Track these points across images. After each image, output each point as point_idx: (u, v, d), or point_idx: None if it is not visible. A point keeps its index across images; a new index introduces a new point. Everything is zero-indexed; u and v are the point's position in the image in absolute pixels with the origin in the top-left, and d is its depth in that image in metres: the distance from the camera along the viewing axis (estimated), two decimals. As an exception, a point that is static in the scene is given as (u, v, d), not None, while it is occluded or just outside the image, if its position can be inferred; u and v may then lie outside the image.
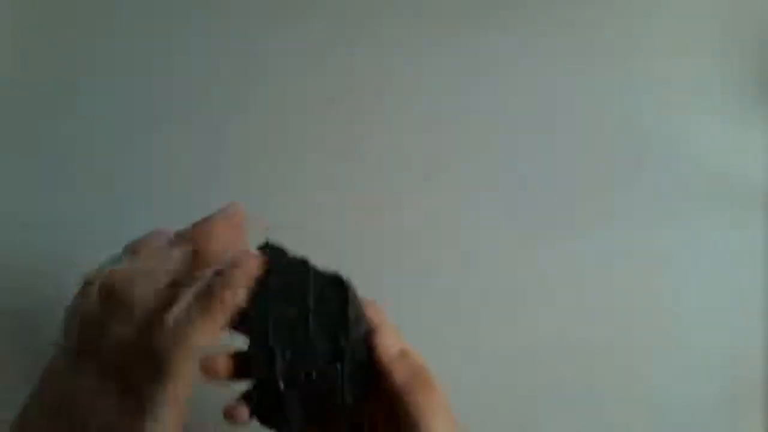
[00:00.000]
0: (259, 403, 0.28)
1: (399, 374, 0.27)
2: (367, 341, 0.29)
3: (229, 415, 0.28)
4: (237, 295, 0.26)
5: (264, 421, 0.28)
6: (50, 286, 0.39)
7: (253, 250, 0.28)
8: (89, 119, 0.40)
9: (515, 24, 0.43)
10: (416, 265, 0.39)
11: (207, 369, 0.28)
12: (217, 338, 0.26)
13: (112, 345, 0.25)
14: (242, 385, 0.29)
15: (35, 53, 0.40)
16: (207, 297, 0.26)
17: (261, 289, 0.28)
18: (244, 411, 0.28)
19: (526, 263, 0.41)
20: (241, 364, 0.28)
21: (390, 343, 0.28)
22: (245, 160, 0.40)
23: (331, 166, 0.40)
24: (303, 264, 0.29)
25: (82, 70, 0.41)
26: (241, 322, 0.28)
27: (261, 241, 0.29)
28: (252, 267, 0.27)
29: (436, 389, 0.27)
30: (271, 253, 0.29)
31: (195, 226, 0.27)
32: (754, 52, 0.44)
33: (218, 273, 0.26)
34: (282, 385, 0.28)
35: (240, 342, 0.28)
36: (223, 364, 0.28)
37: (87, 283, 0.26)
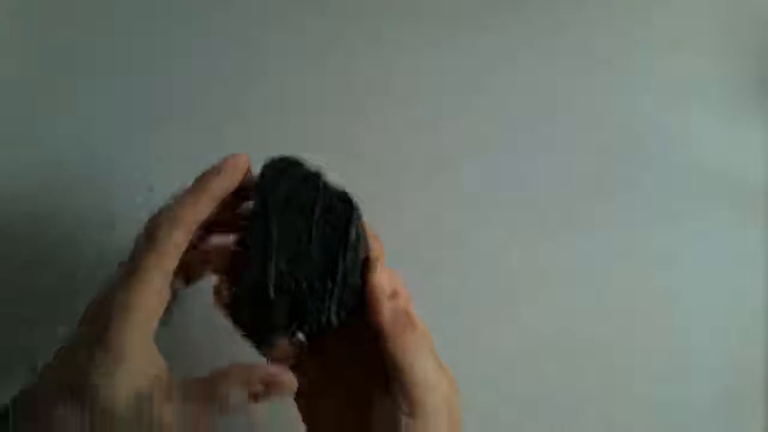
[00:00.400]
0: (244, 308, 0.28)
1: (385, 314, 0.27)
2: (363, 269, 0.29)
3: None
4: (224, 179, 0.28)
5: (245, 327, 0.29)
6: (49, 284, 0.39)
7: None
8: (89, 118, 0.40)
9: (515, 24, 0.43)
10: (416, 265, 0.39)
11: (205, 256, 0.30)
12: (201, 214, 0.27)
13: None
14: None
15: (33, 51, 0.40)
16: (195, 181, 0.29)
17: (269, 193, 0.28)
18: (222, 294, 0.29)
19: (526, 263, 0.41)
20: (237, 261, 0.29)
21: (383, 280, 0.28)
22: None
23: (330, 166, 0.40)
24: (316, 175, 0.29)
25: (81, 70, 0.41)
26: (247, 225, 0.29)
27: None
28: (243, 162, 0.29)
29: (421, 332, 0.28)
30: (285, 162, 0.29)
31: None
32: (755, 52, 0.44)
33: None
34: (272, 291, 0.28)
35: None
36: (222, 254, 0.29)
37: None
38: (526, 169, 0.42)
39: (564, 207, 0.41)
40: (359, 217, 0.29)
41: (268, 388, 0.26)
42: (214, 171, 0.29)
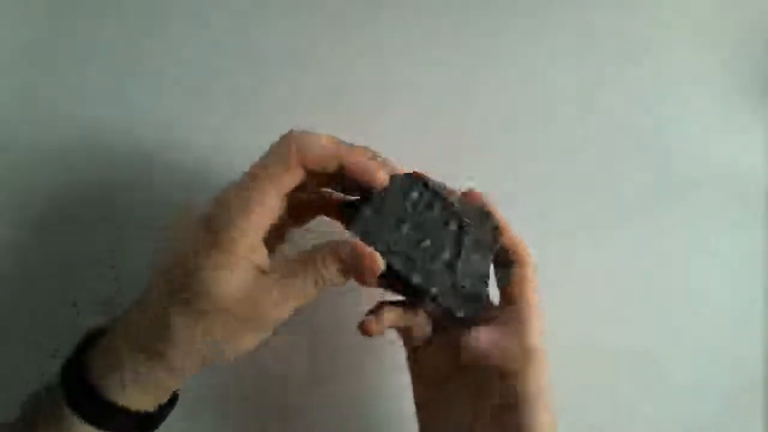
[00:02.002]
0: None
1: (533, 297, 0.32)
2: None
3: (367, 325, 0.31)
4: (365, 169, 0.30)
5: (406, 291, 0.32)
6: (47, 289, 0.39)
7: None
8: (88, 117, 0.40)
9: (514, 24, 0.43)
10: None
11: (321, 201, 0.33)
12: (328, 163, 0.29)
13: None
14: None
15: (32, 45, 0.40)
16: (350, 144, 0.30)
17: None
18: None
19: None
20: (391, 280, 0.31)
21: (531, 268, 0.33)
22: (245, 159, 0.40)
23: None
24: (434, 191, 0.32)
25: (81, 70, 0.41)
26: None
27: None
28: (378, 174, 0.30)
29: None
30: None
31: None
32: (758, 51, 0.43)
33: None
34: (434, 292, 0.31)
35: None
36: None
37: None
38: (525, 169, 0.42)
39: (564, 207, 0.41)
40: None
41: (355, 261, 0.29)
42: (372, 154, 0.30)
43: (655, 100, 0.43)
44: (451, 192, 0.32)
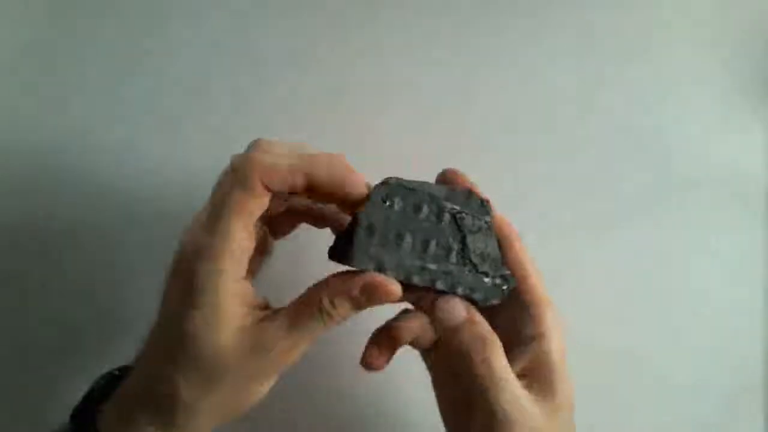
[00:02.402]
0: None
1: (541, 288, 0.30)
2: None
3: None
4: (338, 179, 0.27)
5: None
6: (47, 291, 0.39)
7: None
8: (88, 117, 0.40)
9: (514, 24, 0.43)
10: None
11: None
12: (297, 180, 0.26)
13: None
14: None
15: (32, 41, 0.40)
16: (322, 154, 0.28)
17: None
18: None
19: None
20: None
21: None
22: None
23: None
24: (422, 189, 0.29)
25: (81, 70, 0.41)
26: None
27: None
28: (357, 188, 0.28)
29: None
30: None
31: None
32: (758, 51, 0.43)
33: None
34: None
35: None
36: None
37: None
38: (525, 169, 0.42)
39: (563, 207, 0.41)
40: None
41: (369, 294, 0.27)
42: (343, 167, 0.27)
43: (655, 100, 0.43)
44: (429, 184, 0.31)
